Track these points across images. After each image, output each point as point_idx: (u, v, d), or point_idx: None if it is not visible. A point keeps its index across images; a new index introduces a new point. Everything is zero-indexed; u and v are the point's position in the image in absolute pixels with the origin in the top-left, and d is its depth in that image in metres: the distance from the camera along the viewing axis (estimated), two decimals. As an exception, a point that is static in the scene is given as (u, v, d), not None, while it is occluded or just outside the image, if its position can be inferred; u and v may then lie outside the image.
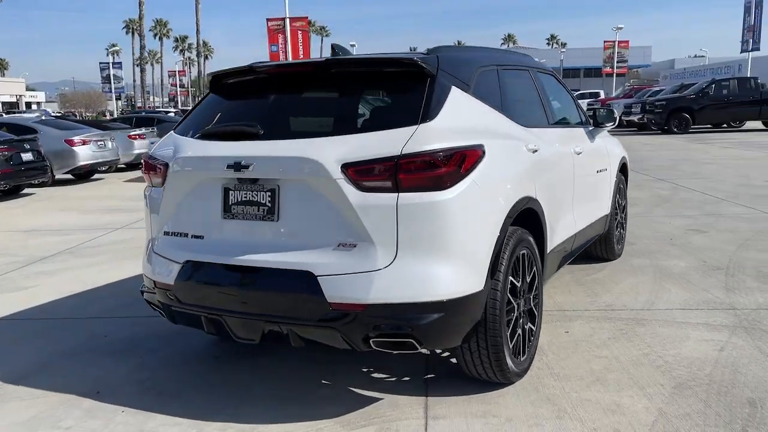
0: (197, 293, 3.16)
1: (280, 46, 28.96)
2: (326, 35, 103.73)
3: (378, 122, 3.01)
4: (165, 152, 3.33)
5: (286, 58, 29.03)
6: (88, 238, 7.83)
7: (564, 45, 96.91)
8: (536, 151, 3.63)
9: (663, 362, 3.56)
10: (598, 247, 5.57)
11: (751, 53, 32.94)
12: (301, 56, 29.15)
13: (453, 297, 2.83)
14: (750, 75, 27.26)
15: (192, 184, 3.19)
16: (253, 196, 3.03)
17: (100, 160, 14.81)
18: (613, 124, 5.08)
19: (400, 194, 2.78)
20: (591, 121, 5.07)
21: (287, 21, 28.66)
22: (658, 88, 30.91)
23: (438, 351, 3.78)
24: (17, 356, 4.06)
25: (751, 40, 32.19)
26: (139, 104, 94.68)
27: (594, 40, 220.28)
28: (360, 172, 2.80)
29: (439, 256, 2.82)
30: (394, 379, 3.50)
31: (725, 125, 25.00)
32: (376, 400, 3.26)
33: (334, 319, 2.82)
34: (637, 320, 4.23)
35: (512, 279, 3.22)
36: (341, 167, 2.81)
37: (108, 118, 46.94)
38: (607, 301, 4.67)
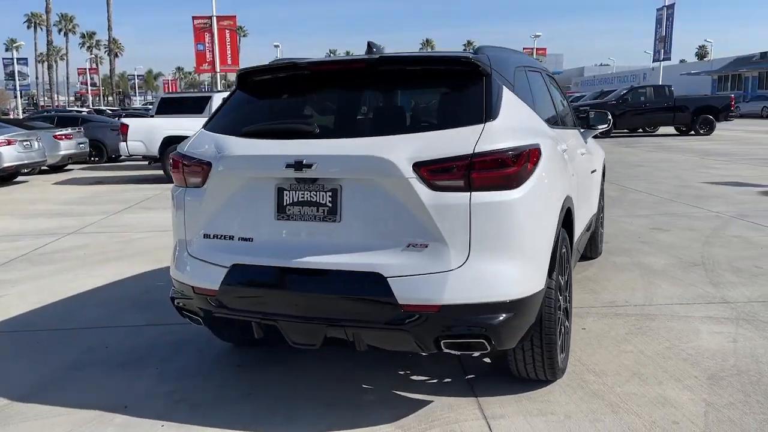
0: (248, 298, 3.02)
1: (207, 45, 28.18)
2: (243, 35, 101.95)
3: (441, 120, 2.97)
4: (205, 151, 3.15)
5: (213, 58, 28.30)
6: (40, 244, 7.33)
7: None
8: (565, 150, 3.70)
9: (687, 355, 3.70)
10: (586, 245, 5.74)
11: (662, 62, 34.95)
12: (229, 56, 28.48)
13: (521, 296, 2.83)
14: (662, 83, 28.86)
15: (240, 184, 3.04)
16: (311, 196, 2.92)
17: (25, 162, 13.89)
18: (606, 126, 5.24)
19: (473, 193, 2.76)
20: (583, 122, 5.21)
21: (214, 19, 27.92)
22: (579, 94, 32.22)
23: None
24: (14, 371, 3.75)
25: (662, 50, 34.14)
26: (42, 103, 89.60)
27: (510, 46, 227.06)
28: (433, 171, 2.75)
29: (509, 255, 2.82)
30: (435, 381, 3.47)
31: (641, 130, 26.37)
32: (427, 402, 3.21)
33: (406, 320, 2.76)
34: (644, 315, 4.39)
35: (559, 277, 3.26)
36: (413, 166, 2.76)
37: (12, 117, 44.14)
38: (608, 298, 4.81)
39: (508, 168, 2.80)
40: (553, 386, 3.35)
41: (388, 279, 2.76)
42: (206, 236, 3.14)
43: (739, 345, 3.83)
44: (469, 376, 3.52)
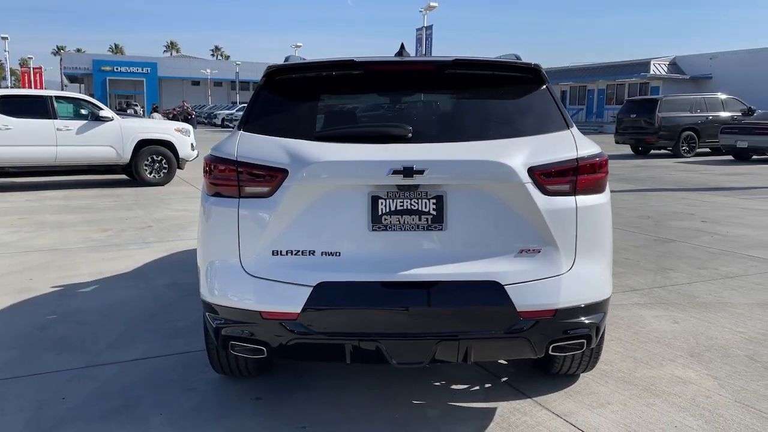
0: (343, 318, 2.71)
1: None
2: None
3: (532, 126, 2.96)
4: (273, 156, 2.74)
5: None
6: None
7: (227, 57, 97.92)
8: None
9: (655, 338, 4.19)
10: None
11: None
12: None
13: (610, 295, 2.98)
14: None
15: (323, 193, 2.72)
16: (413, 204, 2.72)
17: None
18: None
19: (577, 197, 2.84)
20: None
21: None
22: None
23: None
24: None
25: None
26: None
27: (262, 55, 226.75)
28: (547, 175, 2.77)
29: (603, 256, 2.95)
30: (477, 387, 3.45)
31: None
32: (493, 409, 3.19)
33: (525, 328, 2.73)
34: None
35: None
36: (528, 170, 2.74)
37: None
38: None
39: (600, 172, 2.93)
40: (585, 379, 3.54)
41: (505, 287, 2.71)
42: (276, 253, 2.75)
43: (682, 325, 4.43)
44: (504, 379, 3.56)
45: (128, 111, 34.99)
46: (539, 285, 2.74)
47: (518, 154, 2.76)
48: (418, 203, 2.73)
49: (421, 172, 2.65)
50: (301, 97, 3.05)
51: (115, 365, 3.67)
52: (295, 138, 2.82)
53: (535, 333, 2.75)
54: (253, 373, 3.43)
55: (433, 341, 2.71)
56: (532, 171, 2.75)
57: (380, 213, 2.72)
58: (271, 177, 2.73)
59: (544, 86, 3.09)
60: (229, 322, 2.81)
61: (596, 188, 2.92)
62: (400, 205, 2.73)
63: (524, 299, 2.71)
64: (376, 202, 2.72)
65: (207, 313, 2.92)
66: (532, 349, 2.82)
